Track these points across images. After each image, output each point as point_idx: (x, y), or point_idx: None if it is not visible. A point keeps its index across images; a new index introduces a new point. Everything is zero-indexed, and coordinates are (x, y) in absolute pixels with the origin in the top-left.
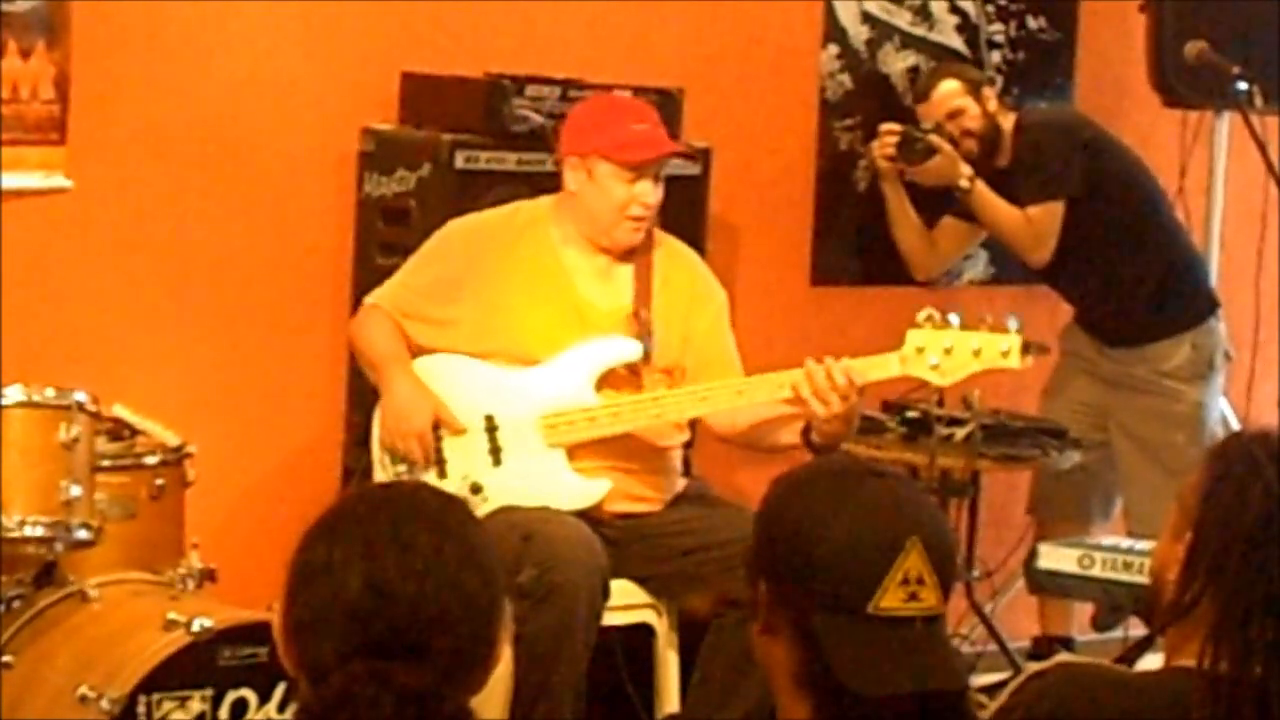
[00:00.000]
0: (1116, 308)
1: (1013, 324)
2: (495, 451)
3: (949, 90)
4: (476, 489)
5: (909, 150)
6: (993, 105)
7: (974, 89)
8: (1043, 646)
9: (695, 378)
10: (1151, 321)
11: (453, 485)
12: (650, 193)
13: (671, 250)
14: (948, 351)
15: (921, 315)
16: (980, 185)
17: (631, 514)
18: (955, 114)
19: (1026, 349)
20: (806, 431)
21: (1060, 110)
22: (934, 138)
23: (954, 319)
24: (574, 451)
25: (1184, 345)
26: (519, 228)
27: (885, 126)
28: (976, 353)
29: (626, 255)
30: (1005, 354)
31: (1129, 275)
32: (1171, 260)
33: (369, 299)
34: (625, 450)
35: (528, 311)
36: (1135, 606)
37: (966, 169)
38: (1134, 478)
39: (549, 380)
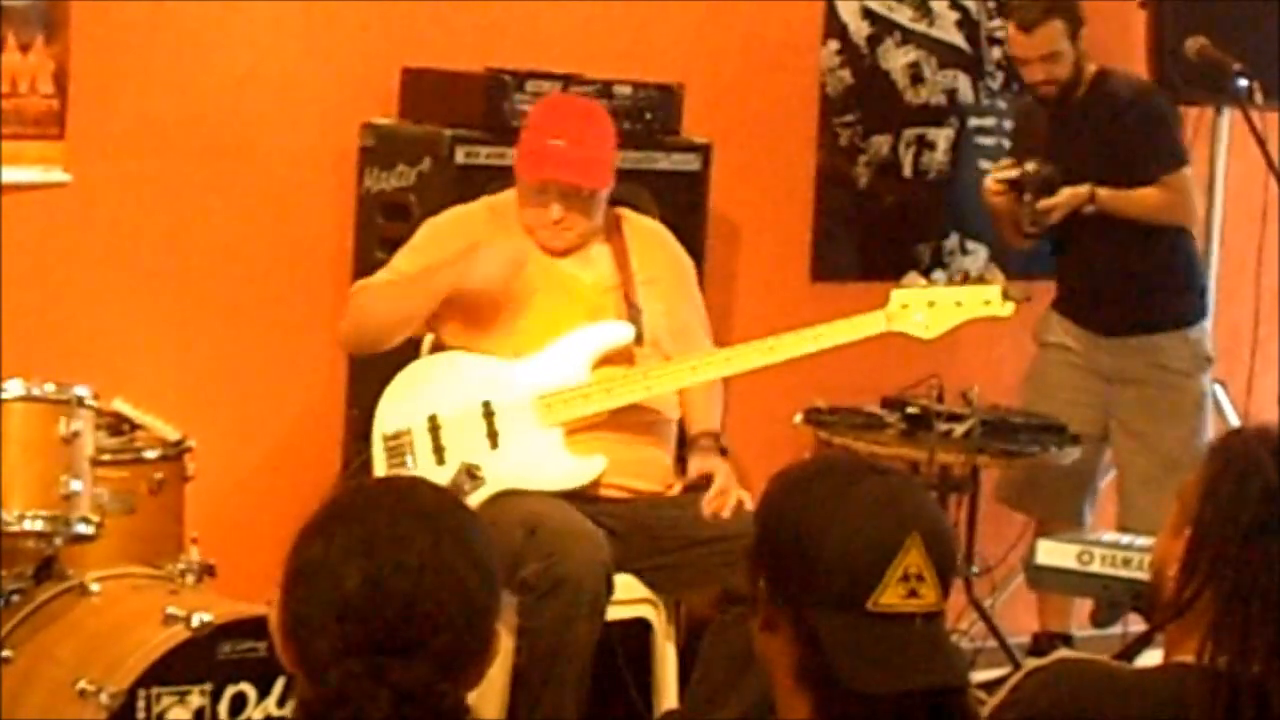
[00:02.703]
0: (1125, 294)
1: (991, 276)
2: (492, 436)
3: (1056, 31)
4: (474, 473)
5: (1031, 186)
6: (1082, 47)
7: (1074, 33)
8: (1042, 643)
9: (678, 349)
10: (1156, 312)
11: (451, 470)
12: (555, 209)
13: (639, 227)
14: (931, 305)
15: (906, 278)
16: (1103, 192)
17: (636, 490)
18: (1051, 56)
19: (1006, 295)
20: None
21: (1145, 79)
22: (1049, 169)
23: (937, 276)
24: (571, 431)
25: (1181, 340)
26: (498, 216)
27: (996, 177)
28: (959, 304)
29: (596, 237)
30: (987, 303)
31: (1152, 261)
32: (1188, 254)
33: (356, 285)
34: (623, 427)
35: (517, 292)
36: (1134, 602)
37: (1083, 190)
38: (1131, 471)
39: (545, 366)
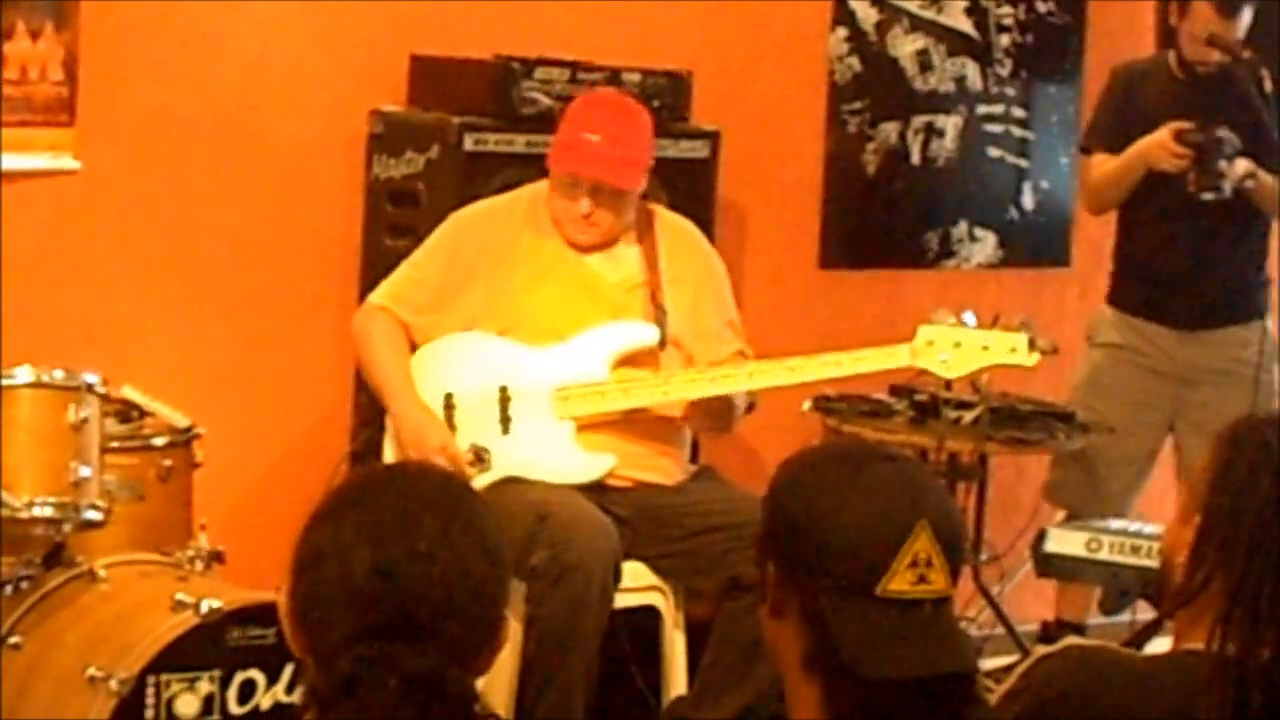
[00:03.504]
0: (1213, 284)
1: (1023, 326)
2: (505, 421)
3: (1246, 19)
4: (482, 455)
5: (1216, 153)
6: None
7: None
8: (1052, 631)
9: (700, 352)
10: (1238, 303)
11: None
12: (579, 209)
13: (671, 225)
14: (957, 345)
15: (935, 315)
16: (1264, 174)
17: (645, 483)
18: (1234, 44)
19: (1033, 345)
20: None
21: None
22: (1236, 139)
23: (968, 318)
24: (584, 425)
25: (1261, 330)
26: (523, 211)
27: (1178, 145)
28: (985, 348)
29: (626, 234)
30: (1013, 351)
31: (1244, 250)
32: (1268, 245)
33: (373, 298)
34: (636, 423)
35: (539, 289)
36: (1143, 590)
37: (1250, 165)
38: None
39: (566, 358)
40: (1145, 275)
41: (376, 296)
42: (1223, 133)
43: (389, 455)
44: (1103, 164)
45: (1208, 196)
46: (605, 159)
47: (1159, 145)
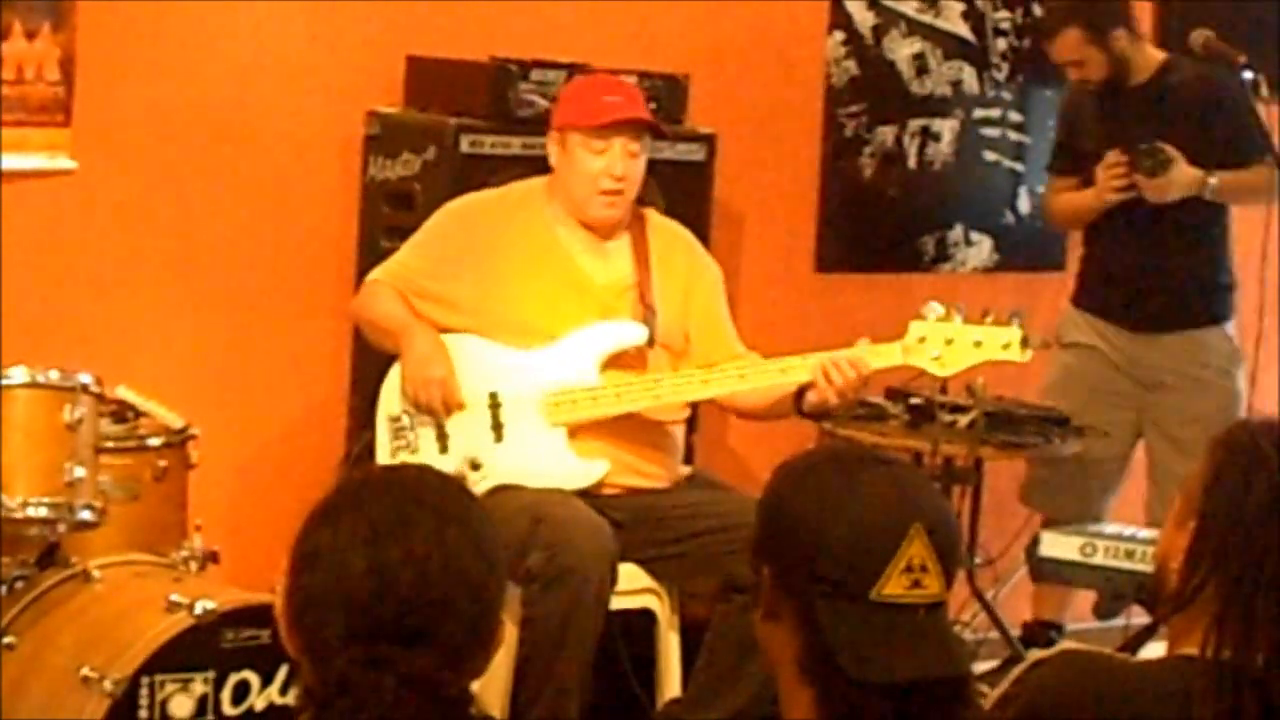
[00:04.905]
0: (1168, 287)
1: (1015, 320)
2: (497, 428)
3: (1073, 39)
4: (476, 465)
5: (1149, 165)
6: (1122, 44)
7: (1098, 38)
8: (1033, 630)
9: (696, 352)
10: (1198, 307)
11: (453, 461)
12: (618, 164)
13: (662, 228)
14: (949, 342)
15: (925, 308)
16: (1220, 178)
17: (637, 489)
18: (1073, 62)
19: (1026, 342)
20: (799, 396)
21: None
22: (1167, 149)
23: (957, 312)
24: (576, 430)
25: (1221, 335)
26: (513, 206)
27: (1110, 160)
28: (978, 344)
29: (618, 233)
30: (1006, 347)
31: (1199, 253)
32: (1227, 247)
33: (371, 276)
34: (627, 428)
35: (527, 286)
36: (1137, 595)
37: (1197, 172)
38: (1168, 474)
39: (555, 361)
40: (1104, 277)
41: (374, 274)
42: (1144, 146)
43: (382, 448)
44: (1060, 188)
45: (1168, 200)
46: (633, 105)
47: (1101, 183)
